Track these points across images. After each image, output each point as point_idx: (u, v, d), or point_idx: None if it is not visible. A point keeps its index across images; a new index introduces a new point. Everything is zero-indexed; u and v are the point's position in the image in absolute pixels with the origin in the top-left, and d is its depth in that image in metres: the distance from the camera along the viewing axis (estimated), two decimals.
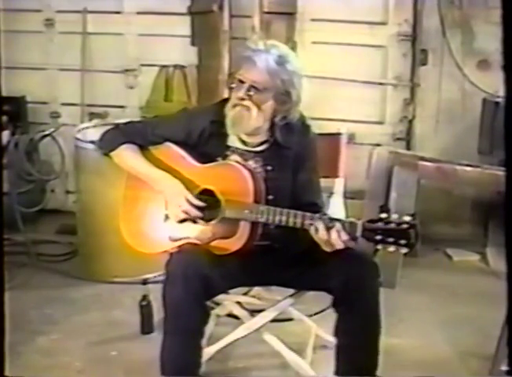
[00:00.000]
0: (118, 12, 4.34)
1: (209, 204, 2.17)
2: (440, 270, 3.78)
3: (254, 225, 2.11)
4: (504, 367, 2.05)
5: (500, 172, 3.30)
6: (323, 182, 2.42)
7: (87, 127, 3.64)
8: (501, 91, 3.52)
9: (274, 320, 2.42)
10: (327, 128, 2.77)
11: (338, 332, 2.19)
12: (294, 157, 2.26)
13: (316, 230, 2.00)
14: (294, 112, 2.22)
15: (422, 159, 3.69)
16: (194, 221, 2.18)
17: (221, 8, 4.06)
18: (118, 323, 3.02)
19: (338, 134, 2.71)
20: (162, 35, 4.28)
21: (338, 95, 4.16)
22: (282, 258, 2.23)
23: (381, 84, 4.18)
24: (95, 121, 3.94)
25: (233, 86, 2.19)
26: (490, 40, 3.89)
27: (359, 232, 1.95)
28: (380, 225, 1.92)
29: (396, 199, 3.54)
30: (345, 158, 2.67)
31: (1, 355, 1.63)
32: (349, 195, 2.77)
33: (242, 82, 2.16)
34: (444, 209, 4.16)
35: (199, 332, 2.13)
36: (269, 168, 2.24)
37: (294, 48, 4.05)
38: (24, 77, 4.34)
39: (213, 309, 2.52)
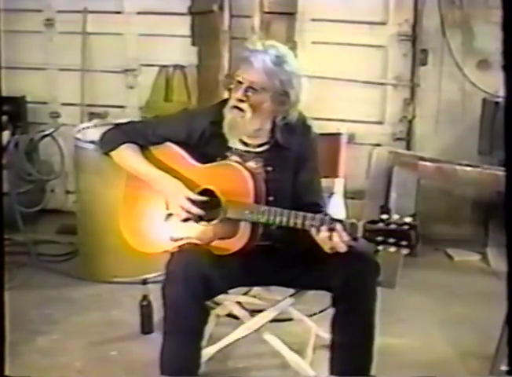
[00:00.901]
0: (118, 12, 4.34)
1: (209, 204, 2.17)
2: (440, 270, 3.78)
3: (254, 225, 2.11)
4: (504, 367, 2.05)
5: (500, 172, 3.30)
6: (324, 182, 2.42)
7: (87, 127, 3.64)
8: (501, 91, 3.52)
9: (274, 320, 2.42)
10: (327, 128, 2.77)
11: (334, 329, 2.18)
12: (295, 158, 2.26)
13: (317, 231, 2.00)
14: (293, 112, 2.22)
15: (422, 159, 3.69)
16: (196, 220, 2.18)
17: (221, 8, 4.06)
18: (118, 323, 3.02)
19: (338, 134, 2.71)
20: (162, 35, 4.28)
21: (338, 95, 4.16)
22: (282, 258, 2.23)
23: (381, 84, 4.18)
24: (95, 121, 3.93)
25: (232, 86, 2.19)
26: (490, 40, 3.89)
27: (360, 233, 1.95)
28: (381, 225, 1.92)
29: (396, 199, 3.54)
30: (345, 158, 2.67)
31: (1, 355, 1.63)
32: (349, 195, 2.78)
33: (240, 82, 2.16)
34: (444, 209, 4.16)
35: (199, 332, 2.13)
36: (270, 169, 2.24)
37: (294, 48, 4.05)
38: (24, 77, 4.34)
39: (213, 309, 2.52)
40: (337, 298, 2.15)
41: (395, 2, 4.07)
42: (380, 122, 4.23)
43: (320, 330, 2.73)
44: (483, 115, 3.90)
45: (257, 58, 2.13)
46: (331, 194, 2.61)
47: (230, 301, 2.43)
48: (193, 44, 4.27)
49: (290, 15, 4.12)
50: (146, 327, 2.92)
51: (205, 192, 2.18)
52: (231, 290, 2.35)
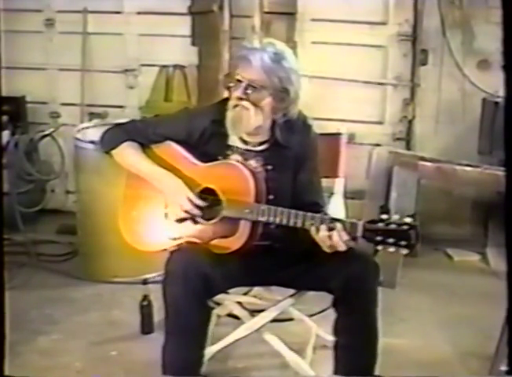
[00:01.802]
0: (118, 12, 4.33)
1: (210, 203, 2.18)
2: (440, 270, 3.78)
3: (254, 224, 2.11)
4: (504, 367, 2.05)
5: (500, 172, 3.30)
6: (324, 182, 2.41)
7: (87, 127, 3.64)
8: (501, 91, 3.52)
9: (274, 320, 2.41)
10: (327, 128, 2.77)
11: (337, 331, 2.19)
12: (294, 157, 2.26)
13: (317, 230, 2.01)
14: (293, 109, 2.22)
15: (422, 159, 3.69)
16: (194, 220, 2.18)
17: (221, 8, 4.06)
18: (118, 323, 3.02)
19: (338, 134, 2.71)
20: (162, 35, 4.28)
21: (338, 95, 4.15)
22: (282, 258, 2.23)
23: (381, 84, 4.18)
24: (95, 121, 3.94)
25: (231, 85, 2.19)
26: (490, 40, 3.89)
27: (359, 233, 1.95)
28: (381, 225, 1.92)
29: (396, 199, 3.54)
30: (345, 158, 2.67)
31: (1, 355, 1.63)
32: (349, 195, 2.77)
33: (239, 81, 2.17)
34: (444, 209, 4.16)
35: (201, 331, 2.13)
36: (270, 168, 2.24)
37: (294, 48, 4.06)
38: (24, 77, 4.34)
39: (213, 308, 2.52)
40: (337, 299, 2.15)
41: (395, 2, 4.07)
42: (380, 122, 4.23)
43: (320, 330, 2.73)
44: (483, 115, 3.90)
45: (255, 56, 2.13)
46: (331, 194, 2.61)
47: (230, 301, 2.44)
48: (193, 44, 4.27)
49: (290, 15, 4.12)
50: (146, 327, 2.92)
51: (205, 191, 2.19)
52: (231, 290, 2.36)
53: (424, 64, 4.11)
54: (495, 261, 3.84)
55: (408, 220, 1.91)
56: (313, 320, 2.79)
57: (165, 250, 2.19)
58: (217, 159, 2.22)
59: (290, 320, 2.76)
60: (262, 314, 2.38)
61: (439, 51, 4.09)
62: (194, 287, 2.02)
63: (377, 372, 2.21)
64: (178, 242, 2.19)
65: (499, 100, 3.76)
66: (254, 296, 2.57)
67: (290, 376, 2.50)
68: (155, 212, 2.27)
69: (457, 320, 3.11)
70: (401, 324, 3.06)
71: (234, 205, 2.11)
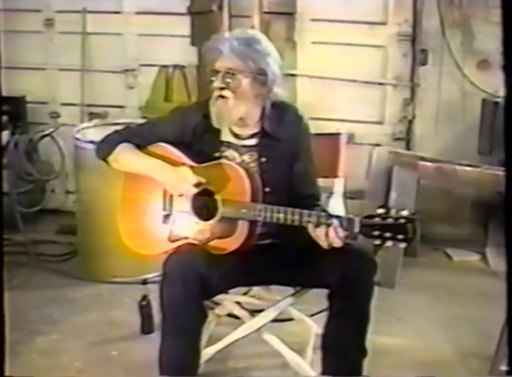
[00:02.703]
0: (117, 12, 4.33)
1: (207, 204, 2.18)
2: (440, 270, 3.78)
3: (252, 223, 2.12)
4: (504, 367, 2.05)
5: (500, 172, 3.30)
6: (324, 182, 2.42)
7: (87, 127, 3.64)
8: (501, 91, 3.52)
9: (274, 320, 2.42)
10: (327, 128, 2.77)
11: (328, 327, 2.18)
12: (288, 148, 2.27)
13: (314, 227, 2.01)
14: (277, 91, 2.23)
15: (422, 159, 3.69)
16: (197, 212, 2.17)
17: (220, 8, 4.06)
18: (118, 323, 3.02)
19: (338, 134, 2.71)
20: (161, 35, 4.28)
21: (338, 95, 4.15)
22: (280, 256, 2.23)
23: (381, 84, 4.18)
24: (95, 121, 3.94)
25: (213, 79, 2.21)
26: (490, 40, 3.88)
27: (357, 229, 1.95)
28: (377, 220, 1.92)
29: (396, 199, 3.53)
30: (344, 158, 2.67)
31: (1, 355, 1.63)
32: (349, 195, 2.77)
33: (217, 71, 2.19)
34: (444, 209, 4.16)
35: (197, 332, 2.13)
36: (264, 160, 2.25)
37: (293, 48, 4.06)
38: (24, 77, 4.34)
39: (213, 309, 2.53)
40: (333, 294, 2.15)
41: (395, 2, 4.07)
42: (380, 122, 4.23)
43: (320, 330, 2.72)
44: (483, 115, 3.90)
45: (225, 44, 2.17)
46: (331, 194, 2.61)
47: (230, 301, 2.44)
48: (193, 44, 4.26)
49: (289, 15, 4.11)
50: (146, 327, 2.92)
51: (202, 192, 2.19)
52: (231, 290, 2.36)
53: (424, 63, 4.10)
54: (494, 261, 3.84)
55: (405, 213, 1.90)
56: (313, 320, 2.78)
57: (164, 252, 2.19)
58: (211, 157, 2.22)
59: (290, 320, 2.75)
60: (262, 314, 2.38)
61: (439, 51, 4.09)
62: (191, 289, 2.02)
63: (377, 372, 2.21)
64: (177, 244, 2.19)
65: (498, 100, 3.76)
66: (254, 296, 2.57)
67: (291, 376, 2.50)
68: (153, 215, 2.27)
69: (457, 320, 3.11)
70: (401, 324, 3.06)
71: (231, 205, 2.11)
